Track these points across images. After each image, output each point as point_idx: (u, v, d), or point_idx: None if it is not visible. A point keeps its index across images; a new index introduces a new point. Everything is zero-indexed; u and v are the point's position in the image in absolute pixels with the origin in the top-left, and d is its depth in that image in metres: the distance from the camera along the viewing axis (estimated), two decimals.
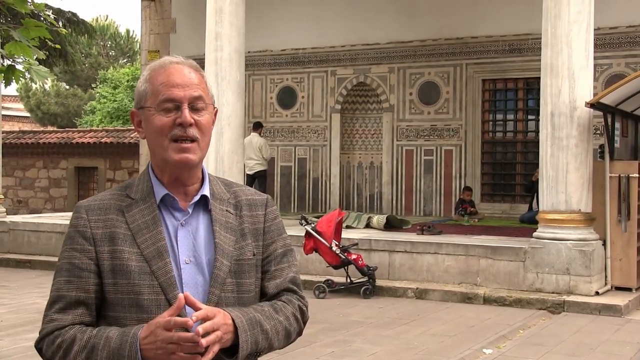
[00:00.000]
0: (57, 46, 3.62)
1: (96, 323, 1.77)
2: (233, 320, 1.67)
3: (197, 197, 1.82)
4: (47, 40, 3.21)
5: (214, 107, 1.86)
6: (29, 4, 3.37)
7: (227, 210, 1.86)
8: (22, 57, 3.15)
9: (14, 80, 3.18)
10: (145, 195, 1.81)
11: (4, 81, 3.18)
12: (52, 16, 14.36)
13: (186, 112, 1.75)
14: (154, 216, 1.78)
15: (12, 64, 3.23)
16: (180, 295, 1.61)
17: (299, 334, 1.89)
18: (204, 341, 1.58)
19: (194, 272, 1.77)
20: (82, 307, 1.74)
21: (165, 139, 1.75)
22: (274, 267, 1.89)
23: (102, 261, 1.75)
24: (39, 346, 1.75)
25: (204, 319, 1.60)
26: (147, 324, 1.63)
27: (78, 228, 1.78)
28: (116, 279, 1.74)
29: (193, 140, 1.76)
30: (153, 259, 1.74)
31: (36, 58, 3.13)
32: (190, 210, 1.81)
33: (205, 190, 1.84)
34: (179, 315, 1.60)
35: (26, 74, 3.24)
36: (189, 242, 1.79)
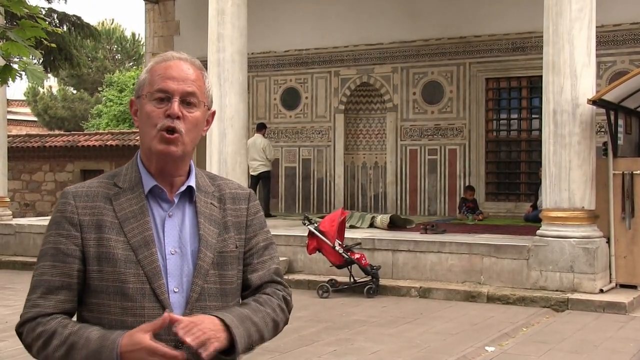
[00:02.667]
0: (53, 45, 3.66)
1: (77, 309, 1.80)
2: (222, 321, 1.70)
3: (183, 187, 1.85)
4: (42, 39, 3.23)
5: (210, 109, 1.88)
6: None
7: (211, 202, 1.89)
8: (18, 57, 3.17)
9: (10, 80, 3.20)
10: (134, 184, 1.83)
11: (0, 80, 3.20)
12: (55, 21, 14.41)
13: (175, 104, 1.78)
14: (142, 206, 1.80)
15: (8, 63, 3.26)
16: (166, 314, 1.63)
17: (286, 322, 1.93)
18: (190, 341, 1.61)
19: (179, 263, 1.79)
20: (64, 292, 1.77)
21: (153, 128, 1.78)
22: (257, 260, 1.92)
23: (87, 248, 1.77)
24: (19, 330, 1.79)
25: (189, 328, 1.63)
26: (127, 334, 1.65)
27: (65, 214, 1.80)
28: (102, 266, 1.76)
29: (178, 132, 1.78)
30: (139, 248, 1.76)
31: (38, 62, 3.16)
32: (176, 200, 1.84)
33: (192, 182, 1.87)
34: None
35: (22, 73, 3.26)
36: (175, 233, 1.81)
